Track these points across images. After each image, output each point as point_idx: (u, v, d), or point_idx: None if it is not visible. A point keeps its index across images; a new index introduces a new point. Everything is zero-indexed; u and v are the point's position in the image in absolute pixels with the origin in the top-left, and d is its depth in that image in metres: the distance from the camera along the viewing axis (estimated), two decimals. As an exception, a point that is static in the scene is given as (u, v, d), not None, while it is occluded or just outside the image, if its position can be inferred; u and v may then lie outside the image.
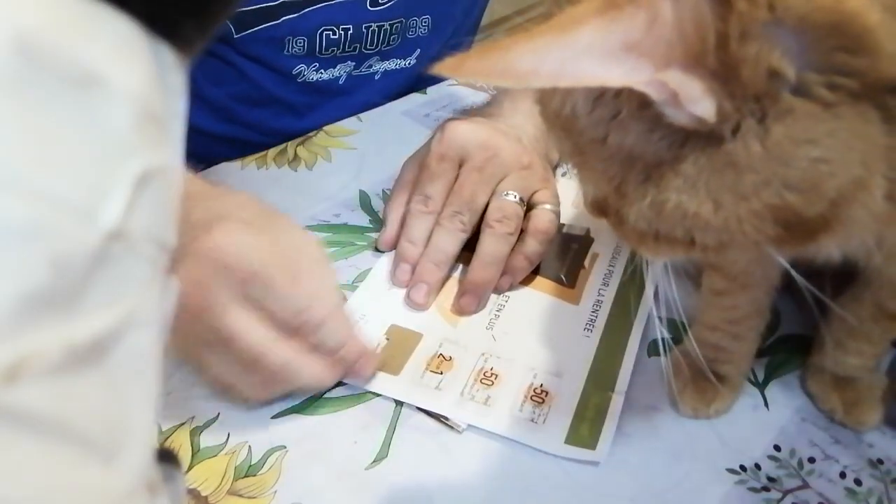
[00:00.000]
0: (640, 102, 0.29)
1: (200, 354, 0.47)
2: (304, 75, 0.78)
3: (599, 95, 0.31)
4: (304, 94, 0.79)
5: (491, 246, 0.56)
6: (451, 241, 0.57)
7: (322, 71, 0.78)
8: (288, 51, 0.75)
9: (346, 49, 0.77)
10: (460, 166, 0.58)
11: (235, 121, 0.80)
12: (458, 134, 0.58)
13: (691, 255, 0.35)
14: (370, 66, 0.81)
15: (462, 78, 0.33)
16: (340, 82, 0.80)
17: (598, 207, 0.38)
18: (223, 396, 0.49)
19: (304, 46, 0.75)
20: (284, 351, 0.46)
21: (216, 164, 0.70)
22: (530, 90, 0.65)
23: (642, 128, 0.30)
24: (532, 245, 0.57)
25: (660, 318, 0.42)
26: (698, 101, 0.27)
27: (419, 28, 0.80)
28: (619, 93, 0.30)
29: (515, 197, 0.57)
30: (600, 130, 0.31)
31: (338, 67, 0.79)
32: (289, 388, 0.48)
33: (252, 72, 0.77)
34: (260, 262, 0.45)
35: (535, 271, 0.59)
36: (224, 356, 0.46)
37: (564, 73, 0.26)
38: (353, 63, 0.79)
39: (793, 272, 0.35)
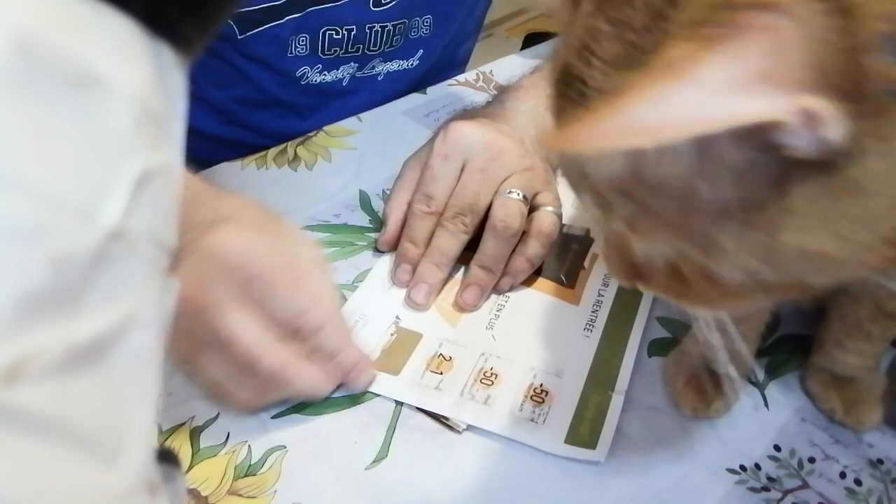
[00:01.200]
0: (734, 141, 0.27)
1: (196, 357, 0.46)
2: (307, 77, 0.78)
3: (698, 144, 0.27)
4: (307, 96, 0.79)
5: (493, 247, 0.56)
6: (452, 242, 0.57)
7: (325, 73, 0.78)
8: (291, 52, 0.75)
9: (349, 50, 0.77)
10: (463, 167, 0.58)
11: (237, 123, 0.80)
12: (462, 134, 0.58)
13: (788, 297, 0.32)
14: (373, 68, 0.81)
15: (581, 150, 0.29)
16: (344, 84, 0.80)
17: (636, 272, 0.35)
18: (217, 403, 0.48)
19: (307, 47, 0.75)
20: (281, 355, 0.45)
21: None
22: (535, 95, 0.65)
23: (736, 170, 0.27)
24: (534, 247, 0.57)
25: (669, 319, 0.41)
26: (831, 124, 0.25)
27: (421, 28, 0.80)
28: (707, 136, 0.27)
29: (519, 195, 0.56)
30: (689, 184, 0.28)
31: (341, 69, 0.79)
32: (283, 394, 0.48)
33: (255, 74, 0.77)
34: (262, 262, 0.45)
35: (536, 272, 0.59)
36: (220, 358, 0.45)
37: (700, 117, 0.24)
38: (357, 64, 0.79)
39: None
